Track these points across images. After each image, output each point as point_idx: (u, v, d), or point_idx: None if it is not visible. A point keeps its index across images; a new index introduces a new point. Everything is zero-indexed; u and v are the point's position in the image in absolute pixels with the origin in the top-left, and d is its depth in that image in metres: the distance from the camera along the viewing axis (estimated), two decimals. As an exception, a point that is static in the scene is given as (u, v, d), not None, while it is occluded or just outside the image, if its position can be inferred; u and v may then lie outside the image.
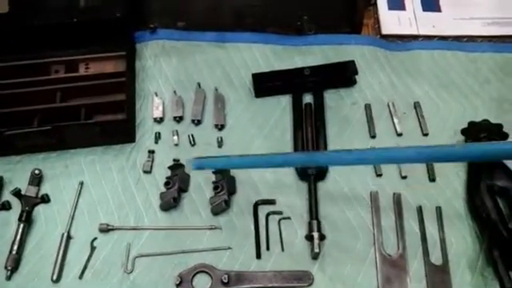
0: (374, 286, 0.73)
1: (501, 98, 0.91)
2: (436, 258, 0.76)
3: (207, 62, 0.96)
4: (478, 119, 0.85)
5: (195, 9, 0.97)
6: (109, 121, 0.84)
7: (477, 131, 0.82)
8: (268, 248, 0.77)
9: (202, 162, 0.73)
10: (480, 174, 0.79)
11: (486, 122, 0.83)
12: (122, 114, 0.84)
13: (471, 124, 0.83)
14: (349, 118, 0.90)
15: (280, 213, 0.80)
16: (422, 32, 1.01)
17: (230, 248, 0.77)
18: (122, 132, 0.85)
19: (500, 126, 0.82)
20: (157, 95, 0.91)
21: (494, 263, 0.70)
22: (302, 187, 0.82)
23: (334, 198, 0.81)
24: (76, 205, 0.81)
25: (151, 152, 0.85)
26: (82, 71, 0.91)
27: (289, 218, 0.80)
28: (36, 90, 0.86)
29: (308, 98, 0.92)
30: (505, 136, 0.81)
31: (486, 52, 0.97)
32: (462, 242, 0.77)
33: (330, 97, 0.92)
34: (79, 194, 0.82)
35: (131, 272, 0.75)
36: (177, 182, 0.80)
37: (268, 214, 0.80)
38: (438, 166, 0.83)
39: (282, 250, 0.77)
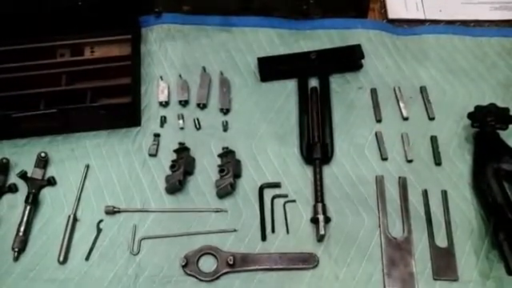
0: (378, 269, 0.74)
1: (508, 83, 0.91)
2: (441, 240, 0.76)
3: (213, 46, 0.95)
4: (484, 103, 0.85)
5: (200, -8, 0.97)
6: (114, 104, 0.84)
7: (483, 115, 0.82)
8: (273, 230, 0.77)
9: None
10: (486, 158, 0.79)
11: (492, 105, 0.83)
12: (128, 97, 0.84)
13: (478, 108, 0.83)
14: (355, 102, 0.89)
15: (285, 196, 0.80)
16: (429, 16, 1.00)
17: (235, 230, 0.77)
18: (127, 115, 0.85)
19: (507, 109, 0.82)
20: (162, 79, 0.91)
21: (499, 246, 0.70)
22: (307, 171, 0.82)
23: (339, 182, 0.81)
24: (82, 187, 0.81)
25: (157, 135, 0.85)
26: (87, 55, 0.91)
27: (294, 201, 0.80)
28: (42, 73, 0.86)
29: (314, 83, 0.91)
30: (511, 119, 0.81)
31: (494, 36, 0.97)
32: (467, 225, 0.77)
33: (336, 81, 0.91)
34: (85, 176, 0.82)
35: (137, 253, 0.75)
36: (182, 165, 0.80)
37: (273, 197, 0.80)
38: (443, 151, 0.83)
39: (287, 232, 0.77)
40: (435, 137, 0.84)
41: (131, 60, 0.87)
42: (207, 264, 0.74)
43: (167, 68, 0.93)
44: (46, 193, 0.81)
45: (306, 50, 0.94)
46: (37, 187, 0.80)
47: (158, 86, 0.90)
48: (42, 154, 0.82)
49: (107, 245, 0.76)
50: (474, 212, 0.78)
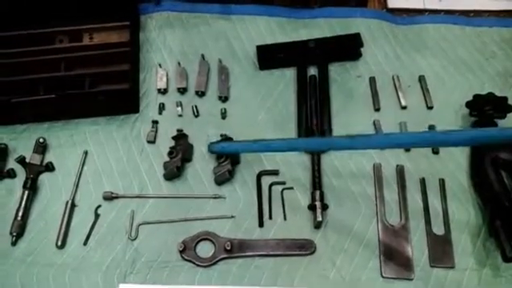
0: (375, 255, 0.74)
1: (506, 73, 0.91)
2: (438, 228, 0.76)
3: (211, 33, 0.95)
4: (483, 93, 0.85)
5: (200, -20, 0.97)
6: (112, 90, 0.84)
7: (482, 104, 0.82)
8: (271, 217, 0.78)
9: (223, 147, 0.78)
10: (484, 147, 0.79)
11: (491, 94, 0.83)
12: (126, 83, 0.84)
13: (476, 97, 0.83)
14: (353, 90, 0.89)
15: (283, 183, 0.80)
16: (429, 6, 1.00)
17: (233, 216, 0.77)
18: (125, 102, 0.85)
19: (505, 98, 0.82)
20: (161, 66, 0.90)
21: (495, 233, 0.70)
22: (305, 159, 0.82)
23: (337, 170, 0.81)
24: (80, 173, 0.81)
25: (155, 122, 0.85)
26: (86, 41, 0.91)
27: (292, 188, 0.80)
28: (41, 59, 0.86)
29: (313, 71, 0.91)
30: (510, 108, 0.81)
31: (493, 26, 0.96)
32: (464, 213, 0.77)
33: (335, 70, 0.91)
34: (83, 162, 0.82)
35: (135, 239, 0.76)
36: (180, 152, 0.80)
37: (271, 184, 0.80)
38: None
39: (285, 219, 0.77)
40: (433, 126, 0.84)
41: (130, 46, 0.87)
42: (205, 250, 0.75)
43: (166, 55, 0.93)
44: (45, 178, 0.81)
45: (305, 38, 0.93)
46: (35, 173, 0.80)
47: (156, 73, 0.90)
48: (41, 140, 0.82)
49: (105, 230, 0.77)
50: (471, 200, 0.78)
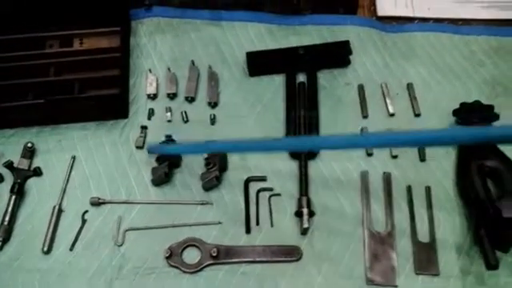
0: (361, 262, 0.74)
1: (494, 81, 0.91)
2: (424, 236, 0.76)
3: (202, 39, 0.95)
4: (470, 101, 0.85)
5: (191, -14, 0.97)
6: (102, 95, 0.84)
7: (468, 112, 0.82)
8: (258, 223, 0.78)
9: (158, 148, 0.79)
10: (470, 155, 0.80)
11: (477, 103, 0.83)
12: (116, 89, 0.84)
13: (463, 105, 0.84)
14: (342, 98, 0.90)
15: (270, 189, 0.81)
16: (418, 14, 1.00)
17: (220, 223, 0.78)
18: (114, 107, 0.85)
19: (491, 107, 0.83)
20: (151, 72, 0.91)
21: (480, 241, 0.71)
22: (293, 165, 0.83)
23: (324, 177, 0.82)
24: (68, 178, 0.81)
25: (144, 128, 0.85)
26: (76, 46, 0.91)
27: (279, 194, 0.80)
28: (31, 63, 0.86)
29: (302, 78, 0.92)
30: (496, 117, 0.81)
31: (481, 35, 0.97)
32: (450, 221, 0.77)
33: (324, 77, 0.92)
34: (71, 168, 0.82)
35: (121, 245, 0.76)
36: (168, 158, 0.80)
37: (258, 191, 0.80)
38: (428, 147, 0.83)
39: (272, 225, 0.78)
40: (420, 133, 0.85)
41: (120, 52, 0.87)
42: (191, 256, 0.75)
43: (156, 61, 0.93)
44: (32, 183, 0.81)
45: (295, 45, 0.94)
46: (22, 177, 0.80)
47: (146, 79, 0.90)
48: (29, 145, 0.82)
49: (92, 236, 0.77)
50: (456, 208, 0.78)
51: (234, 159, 0.83)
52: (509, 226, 0.69)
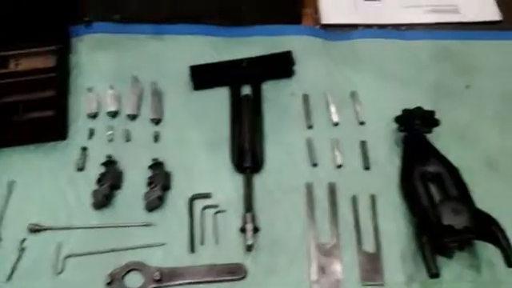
0: (306, 276, 0.73)
1: (437, 85, 0.92)
2: (369, 245, 0.76)
3: (144, 54, 0.94)
4: (414, 107, 0.85)
5: (131, 0, 0.95)
6: (36, 118, 0.81)
7: (410, 118, 0.83)
8: (203, 242, 0.76)
9: None
10: (413, 161, 0.80)
11: (418, 109, 0.84)
12: (52, 110, 0.82)
13: (405, 111, 0.84)
14: (287, 109, 0.89)
15: (216, 206, 0.79)
16: (362, 21, 1.00)
17: (163, 244, 0.76)
18: (52, 129, 0.83)
19: (432, 112, 0.83)
20: (91, 90, 0.89)
21: (422, 249, 0.70)
22: (238, 180, 0.81)
23: (269, 190, 0.81)
24: (5, 205, 0.78)
25: (84, 149, 0.83)
26: (12, 67, 0.88)
27: (224, 211, 0.79)
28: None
29: (247, 90, 0.91)
30: (436, 122, 0.82)
31: (424, 39, 0.98)
32: (395, 229, 0.77)
33: (269, 88, 0.91)
34: (9, 193, 0.79)
35: (61, 272, 0.73)
36: (109, 179, 0.79)
37: (203, 208, 0.79)
38: (373, 155, 0.84)
39: (217, 243, 0.76)
40: (365, 141, 0.85)
41: (56, 72, 0.85)
42: (133, 281, 0.73)
43: (97, 78, 0.91)
44: (-33, 212, 0.78)
45: (240, 57, 0.93)
46: (-44, 207, 0.77)
47: (86, 98, 0.88)
48: (-38, 172, 0.79)
49: (30, 264, 0.74)
50: (401, 216, 0.78)
51: (178, 177, 0.81)
52: (449, 233, 0.69)
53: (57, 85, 0.84)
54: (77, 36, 0.95)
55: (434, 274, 0.67)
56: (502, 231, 0.69)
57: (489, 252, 0.73)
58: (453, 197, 0.75)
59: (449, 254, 0.73)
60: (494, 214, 0.73)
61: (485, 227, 0.70)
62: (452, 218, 0.70)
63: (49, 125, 0.82)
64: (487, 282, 0.73)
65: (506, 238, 0.69)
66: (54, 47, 0.87)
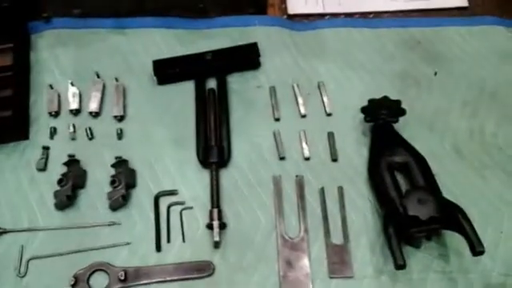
0: (274, 271, 0.73)
1: (404, 74, 0.92)
2: (337, 238, 0.75)
3: (106, 50, 0.91)
4: (381, 96, 0.85)
5: (91, -6, 0.93)
6: (-6, 118, 0.79)
7: (376, 108, 0.82)
8: (169, 240, 0.75)
9: None
10: (380, 151, 0.79)
11: (385, 98, 0.83)
12: (10, 110, 0.79)
13: (371, 101, 0.83)
14: (254, 101, 0.88)
15: (182, 203, 0.78)
16: (329, 10, 0.99)
17: (128, 243, 0.74)
18: (11, 130, 0.80)
19: (399, 102, 0.82)
20: (52, 88, 0.86)
21: (388, 239, 0.70)
22: (204, 175, 0.80)
23: (236, 185, 0.80)
24: (-35, 209, 0.76)
25: (45, 148, 0.81)
26: (-32, 67, 0.85)
27: (191, 207, 0.78)
28: None
29: (212, 84, 0.89)
30: (403, 112, 0.81)
31: (392, 27, 0.97)
32: (362, 220, 0.77)
33: (235, 80, 0.89)
34: (-32, 197, 0.77)
35: (24, 275, 0.72)
36: (71, 179, 0.77)
37: (169, 206, 0.78)
38: (340, 146, 0.83)
39: (183, 241, 0.75)
40: (332, 133, 0.84)
41: (13, 70, 0.82)
42: (98, 282, 0.71)
43: (58, 75, 0.88)
44: None
45: (204, 49, 0.91)
46: None
47: (47, 96, 0.85)
48: None
49: (-8, 269, 0.72)
50: (369, 207, 0.78)
51: (143, 174, 0.80)
52: (414, 224, 0.69)
53: (14, 84, 0.81)
54: (36, 32, 0.92)
55: (400, 265, 0.66)
56: (467, 220, 0.69)
57: (456, 241, 0.73)
58: (419, 187, 0.75)
59: (416, 245, 0.73)
60: (462, 202, 0.73)
61: (450, 216, 0.70)
62: (418, 209, 0.70)
63: (8, 125, 0.80)
64: (455, 271, 0.73)
65: (471, 227, 0.69)
66: (11, 45, 0.84)
